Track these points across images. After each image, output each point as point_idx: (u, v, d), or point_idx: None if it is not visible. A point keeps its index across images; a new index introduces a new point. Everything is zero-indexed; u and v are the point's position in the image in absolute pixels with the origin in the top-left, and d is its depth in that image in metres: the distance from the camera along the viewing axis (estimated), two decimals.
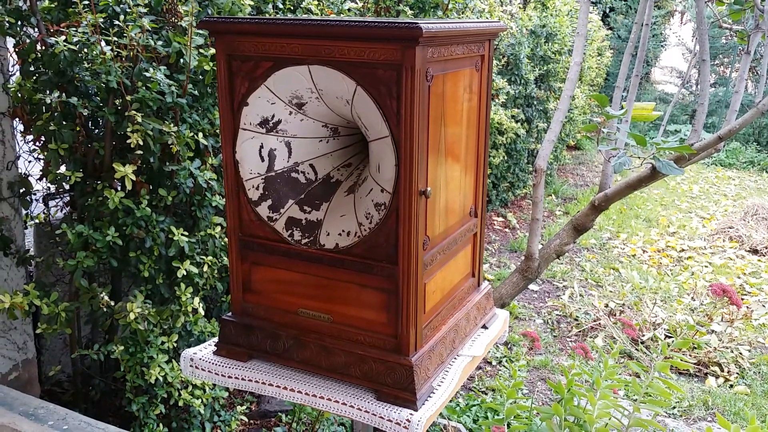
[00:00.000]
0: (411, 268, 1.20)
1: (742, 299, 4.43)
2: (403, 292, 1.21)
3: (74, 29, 1.93)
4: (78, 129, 1.98)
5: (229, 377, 1.39)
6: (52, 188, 2.31)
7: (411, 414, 1.21)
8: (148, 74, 1.80)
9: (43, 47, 1.95)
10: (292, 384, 1.32)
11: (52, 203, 2.31)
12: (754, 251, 5.67)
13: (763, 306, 4.41)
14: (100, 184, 1.96)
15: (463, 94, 1.33)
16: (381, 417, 1.23)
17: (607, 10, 12.13)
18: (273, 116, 1.28)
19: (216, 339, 1.48)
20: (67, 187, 2.05)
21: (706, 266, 5.31)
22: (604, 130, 1.82)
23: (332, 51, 1.15)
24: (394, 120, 1.14)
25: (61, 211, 2.33)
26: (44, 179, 2.14)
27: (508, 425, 2.28)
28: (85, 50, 1.93)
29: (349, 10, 2.43)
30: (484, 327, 1.57)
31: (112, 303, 1.96)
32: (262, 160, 1.31)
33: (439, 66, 1.20)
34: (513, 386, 2.27)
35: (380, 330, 1.26)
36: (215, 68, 1.96)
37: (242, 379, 1.37)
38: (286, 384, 1.32)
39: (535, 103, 6.43)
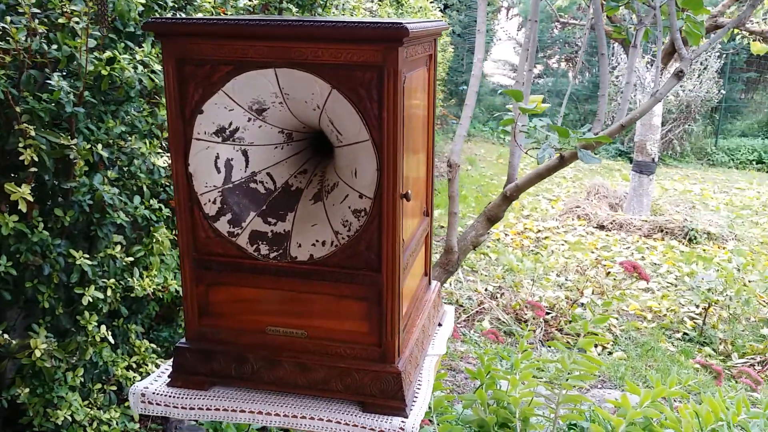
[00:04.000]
0: (394, 273, 1.17)
1: (608, 273, 4.83)
2: (387, 299, 1.18)
3: None
4: None
5: (191, 409, 1.28)
6: None
7: (403, 422, 1.19)
8: (52, 82, 1.60)
9: None
10: (266, 407, 1.24)
11: None
12: (601, 227, 6.20)
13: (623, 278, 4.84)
14: None
15: (418, 94, 1.32)
16: (372, 429, 1.19)
17: (444, 7, 12.65)
18: (230, 124, 1.19)
19: (164, 368, 1.36)
20: None
21: (562, 244, 5.73)
22: (519, 124, 1.89)
23: (304, 53, 1.09)
24: (374, 123, 1.11)
25: None
26: None
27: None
28: None
29: (244, 8, 2.32)
30: (439, 324, 1.57)
31: (12, 341, 1.73)
32: (219, 171, 1.21)
33: (408, 66, 1.18)
34: (437, 377, 2.31)
35: (362, 340, 1.22)
36: (113, 72, 1.80)
37: (207, 408, 1.27)
38: (260, 408, 1.24)
39: None
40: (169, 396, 1.29)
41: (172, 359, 1.31)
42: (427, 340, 1.43)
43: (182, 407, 1.28)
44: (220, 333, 1.28)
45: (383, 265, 1.16)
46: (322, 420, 1.21)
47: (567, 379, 2.02)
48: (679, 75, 1.93)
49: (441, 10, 12.13)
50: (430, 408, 2.28)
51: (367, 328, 1.21)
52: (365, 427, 1.19)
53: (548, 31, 12.01)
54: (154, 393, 1.29)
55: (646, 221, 6.09)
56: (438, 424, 2.33)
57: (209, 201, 1.22)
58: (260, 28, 1.09)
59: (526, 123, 1.83)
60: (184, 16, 2.21)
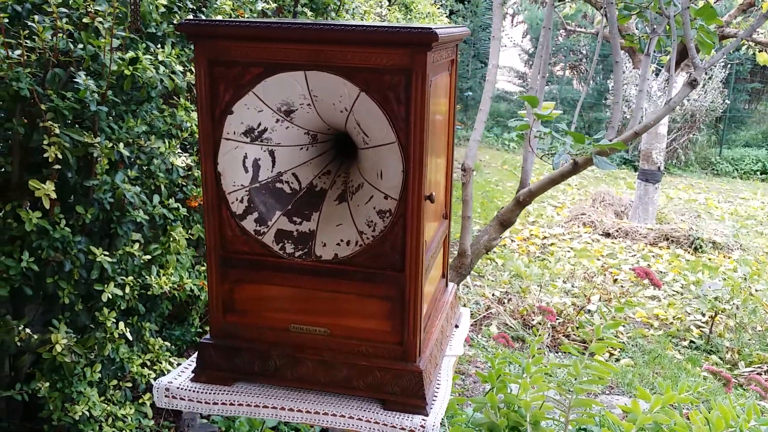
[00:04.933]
0: (418, 274, 1.19)
1: (615, 280, 4.84)
2: (409, 299, 1.21)
3: None
4: None
5: (215, 404, 1.30)
6: None
7: (423, 420, 1.21)
8: (79, 81, 1.63)
9: None
10: (289, 404, 1.26)
11: None
12: (607, 234, 6.22)
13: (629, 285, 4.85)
14: (8, 204, 1.74)
15: (441, 98, 1.34)
16: (393, 426, 1.21)
17: (450, 13, 12.68)
18: (259, 125, 1.21)
19: (188, 364, 1.39)
20: None
21: (568, 251, 5.74)
22: (534, 129, 1.92)
23: (334, 56, 1.12)
24: (401, 126, 1.13)
25: None
26: None
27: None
28: None
29: (262, 11, 2.35)
30: (456, 326, 1.59)
31: (33, 336, 1.75)
32: (246, 171, 1.24)
33: (434, 71, 1.20)
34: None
35: (384, 339, 1.24)
36: (135, 72, 1.83)
37: (230, 404, 1.29)
38: (283, 404, 1.26)
39: None
40: (193, 391, 1.31)
41: (196, 354, 1.34)
42: (445, 341, 1.45)
43: (205, 402, 1.30)
44: (244, 330, 1.30)
45: (407, 265, 1.19)
46: (344, 417, 1.23)
47: (578, 384, 2.04)
48: (692, 84, 1.95)
49: (447, 16, 12.18)
50: None
51: (389, 327, 1.23)
52: (386, 425, 1.21)
53: (554, 38, 12.05)
54: (178, 388, 1.31)
55: (651, 229, 6.10)
56: (449, 427, 2.34)
57: (236, 200, 1.24)
58: (292, 31, 1.11)
59: (539, 129, 1.86)
60: (203, 17, 2.24)
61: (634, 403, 2.06)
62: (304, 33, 1.11)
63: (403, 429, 1.20)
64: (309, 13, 2.85)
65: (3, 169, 1.79)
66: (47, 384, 1.77)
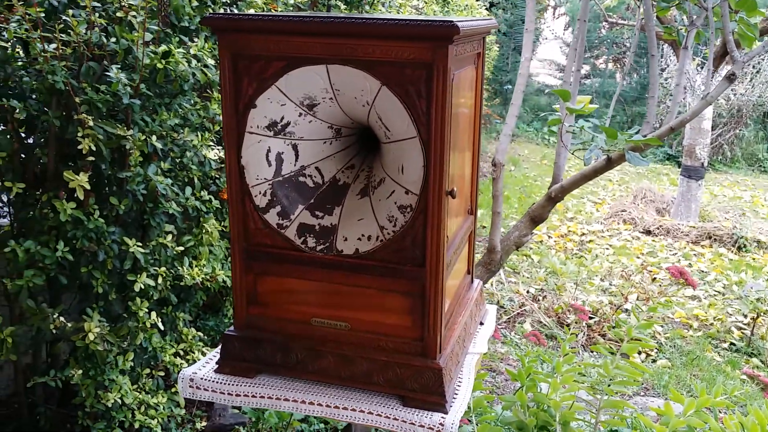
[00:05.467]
0: (438, 269, 1.18)
1: (653, 279, 4.74)
2: (429, 295, 1.20)
3: (3, 25, 1.76)
4: (11, 135, 1.80)
5: (237, 395, 1.31)
6: None
7: (443, 418, 1.20)
8: (110, 74, 1.66)
9: None
10: (309, 397, 1.27)
11: None
12: (648, 232, 6.09)
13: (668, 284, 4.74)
14: (44, 195, 1.79)
15: (466, 92, 1.33)
16: (412, 423, 1.21)
17: (489, 5, 12.55)
18: (282, 118, 1.21)
19: (212, 355, 1.40)
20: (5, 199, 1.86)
21: (606, 248, 5.64)
22: (565, 124, 1.88)
23: (355, 50, 1.11)
24: (422, 120, 1.12)
25: None
26: None
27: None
28: (19, 48, 1.76)
29: (294, 4, 2.36)
30: (481, 323, 1.58)
31: (67, 324, 1.80)
32: (269, 164, 1.24)
33: (457, 64, 1.19)
34: (478, 377, 2.30)
35: (404, 334, 1.23)
36: (167, 66, 1.85)
37: (252, 396, 1.30)
38: (303, 397, 1.27)
39: None
40: (217, 382, 1.32)
41: (220, 346, 1.35)
42: (468, 338, 1.44)
43: (228, 393, 1.31)
44: (266, 322, 1.31)
45: (427, 261, 1.18)
46: (363, 412, 1.23)
47: (609, 385, 2.00)
48: (731, 78, 1.89)
49: (487, 9, 12.06)
50: (469, 408, 2.28)
51: (410, 323, 1.22)
52: (405, 421, 1.21)
53: (596, 31, 11.82)
54: (202, 378, 1.33)
55: (693, 227, 5.95)
56: (477, 424, 2.33)
57: (260, 193, 1.25)
58: (314, 24, 1.11)
59: (573, 123, 1.82)
60: (236, 11, 2.26)
61: (667, 406, 2.02)
62: (325, 27, 1.10)
63: (422, 426, 1.20)
64: (342, 7, 2.84)
65: (40, 161, 1.83)
66: (80, 371, 1.81)
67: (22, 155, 1.86)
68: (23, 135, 1.89)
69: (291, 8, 2.53)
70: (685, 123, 1.94)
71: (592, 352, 3.59)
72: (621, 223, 6.33)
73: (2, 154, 1.73)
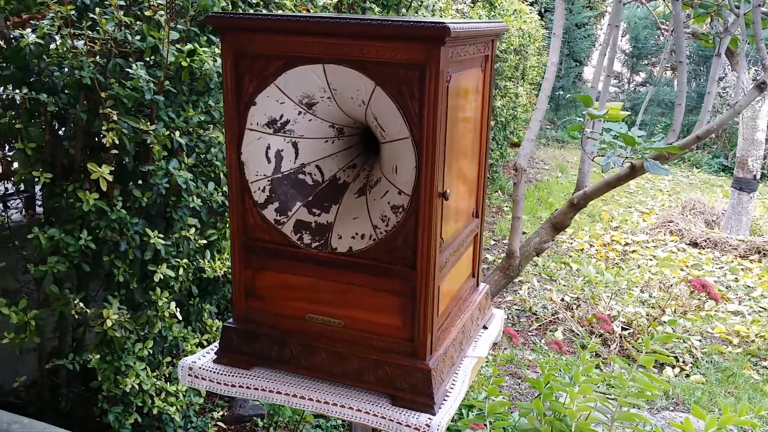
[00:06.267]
0: (429, 271, 1.18)
1: (691, 292, 4.60)
2: (420, 296, 1.20)
3: (37, 21, 1.83)
4: (43, 127, 1.88)
5: (233, 386, 1.34)
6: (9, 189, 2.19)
7: (429, 419, 1.20)
8: (131, 70, 1.72)
9: (1, 40, 1.84)
10: (301, 391, 1.28)
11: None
12: (694, 244, 5.91)
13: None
14: (70, 185, 1.86)
15: (470, 95, 1.32)
16: (399, 423, 1.21)
17: (543, 11, 12.39)
18: (281, 116, 1.24)
19: (213, 346, 1.43)
20: (32, 188, 1.94)
21: (650, 259, 5.50)
22: (587, 130, 1.85)
23: (350, 50, 1.12)
24: (415, 121, 1.12)
25: (21, 213, 2.20)
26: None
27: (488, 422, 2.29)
28: (52, 44, 1.83)
29: (324, 6, 2.38)
30: (484, 327, 1.57)
31: (87, 310, 1.86)
32: (269, 161, 1.26)
33: (455, 66, 1.18)
34: (494, 383, 2.29)
35: (395, 334, 1.24)
36: (192, 65, 1.90)
37: (247, 387, 1.33)
38: (296, 391, 1.29)
39: None
40: (214, 372, 1.35)
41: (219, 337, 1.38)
42: (467, 341, 1.43)
43: (224, 383, 1.34)
44: (263, 316, 1.33)
45: (418, 261, 1.18)
46: (353, 409, 1.24)
47: (625, 396, 1.96)
48: (761, 87, 1.82)
49: (539, 14, 11.92)
50: (484, 412, 2.26)
51: (400, 323, 1.23)
52: (393, 420, 1.21)
53: (654, 38, 11.54)
54: (200, 368, 1.36)
55: (743, 241, 5.75)
56: (491, 430, 2.31)
57: (259, 189, 1.27)
58: (309, 24, 1.13)
59: (599, 130, 1.79)
60: (265, 12, 2.30)
61: (687, 422, 1.96)
62: (322, 26, 1.12)
63: (408, 426, 1.20)
64: (377, 10, 2.86)
65: (68, 152, 1.90)
66: (98, 356, 1.88)
67: (55, 145, 1.93)
68: (55, 127, 1.97)
69: (320, 10, 2.56)
70: (711, 132, 1.88)
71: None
72: (667, 234, 6.17)
73: (32, 145, 1.80)
